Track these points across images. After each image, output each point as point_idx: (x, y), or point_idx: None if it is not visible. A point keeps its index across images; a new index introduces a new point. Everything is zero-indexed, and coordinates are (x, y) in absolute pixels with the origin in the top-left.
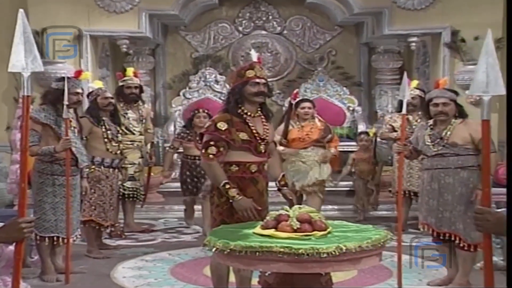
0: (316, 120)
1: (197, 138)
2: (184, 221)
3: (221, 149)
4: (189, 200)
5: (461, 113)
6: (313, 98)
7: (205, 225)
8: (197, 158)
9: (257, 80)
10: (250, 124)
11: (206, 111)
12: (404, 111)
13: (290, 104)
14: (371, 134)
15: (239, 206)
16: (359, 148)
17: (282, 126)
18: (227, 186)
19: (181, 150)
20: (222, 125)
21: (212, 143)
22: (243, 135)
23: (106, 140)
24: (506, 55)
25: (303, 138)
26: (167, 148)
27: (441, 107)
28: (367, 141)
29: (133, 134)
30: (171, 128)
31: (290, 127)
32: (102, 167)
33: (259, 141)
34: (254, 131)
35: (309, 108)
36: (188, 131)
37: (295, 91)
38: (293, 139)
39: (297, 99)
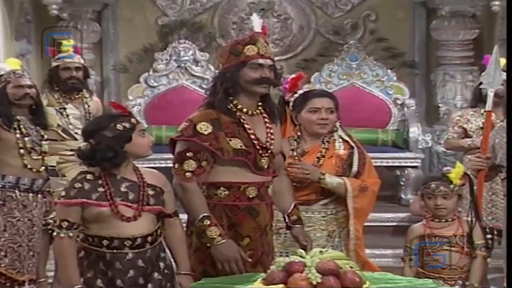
0: (337, 136)
1: (109, 193)
2: None
3: (203, 163)
4: None
5: None
6: (342, 87)
7: None
8: (108, 244)
9: (261, 61)
10: (246, 126)
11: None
12: (489, 106)
13: (283, 101)
14: (456, 180)
15: (219, 254)
16: (428, 218)
17: None
18: (207, 222)
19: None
20: (205, 128)
21: (189, 154)
22: (236, 143)
23: (22, 151)
24: (506, 55)
25: (302, 179)
26: (58, 233)
27: None
28: (446, 197)
29: (75, 139)
30: None
31: None
32: (17, 192)
33: (260, 151)
34: (252, 136)
35: (330, 110)
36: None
37: (295, 75)
38: None
39: (300, 91)
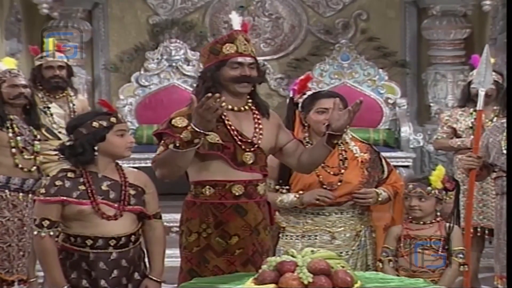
0: (349, 139)
1: (90, 191)
2: None
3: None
4: None
5: None
6: (333, 86)
7: None
8: (92, 243)
9: (240, 59)
10: (227, 122)
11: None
12: (480, 105)
13: (292, 103)
14: (436, 183)
15: (198, 120)
16: (407, 219)
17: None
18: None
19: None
20: (180, 121)
21: (161, 143)
22: (213, 137)
23: (14, 150)
24: (506, 55)
25: (331, 182)
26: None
27: None
28: (422, 198)
29: (59, 139)
30: None
31: None
32: (7, 191)
33: (243, 146)
34: (233, 131)
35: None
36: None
37: (303, 76)
38: (310, 186)
39: (308, 93)
